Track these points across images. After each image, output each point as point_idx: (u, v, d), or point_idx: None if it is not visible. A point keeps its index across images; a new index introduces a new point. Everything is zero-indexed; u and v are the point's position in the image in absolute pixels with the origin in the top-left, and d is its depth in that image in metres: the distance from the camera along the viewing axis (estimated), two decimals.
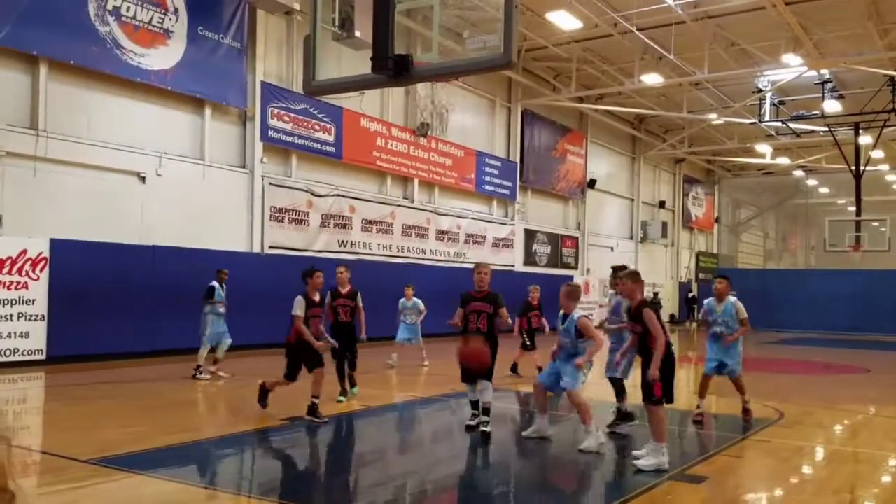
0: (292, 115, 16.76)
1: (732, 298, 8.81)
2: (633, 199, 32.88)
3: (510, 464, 7.02)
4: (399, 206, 20.13)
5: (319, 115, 17.43)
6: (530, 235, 25.91)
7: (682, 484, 5.86)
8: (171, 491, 5.29)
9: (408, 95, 20.18)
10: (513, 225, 24.85)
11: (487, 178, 23.37)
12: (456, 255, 22.14)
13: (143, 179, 14.20)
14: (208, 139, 15.38)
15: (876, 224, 27.27)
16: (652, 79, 22.49)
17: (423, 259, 20.56)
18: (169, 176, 14.57)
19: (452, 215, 22.17)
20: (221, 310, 11.62)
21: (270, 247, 16.35)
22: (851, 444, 8.18)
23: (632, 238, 32.88)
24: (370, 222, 18.99)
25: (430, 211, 21.30)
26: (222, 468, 6.32)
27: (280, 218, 16.65)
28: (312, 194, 17.42)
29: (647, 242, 33.57)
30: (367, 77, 6.69)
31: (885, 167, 33.06)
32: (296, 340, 7.80)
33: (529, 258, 25.74)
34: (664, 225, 34.13)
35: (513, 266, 24.61)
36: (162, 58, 14.21)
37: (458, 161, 22.13)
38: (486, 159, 23.32)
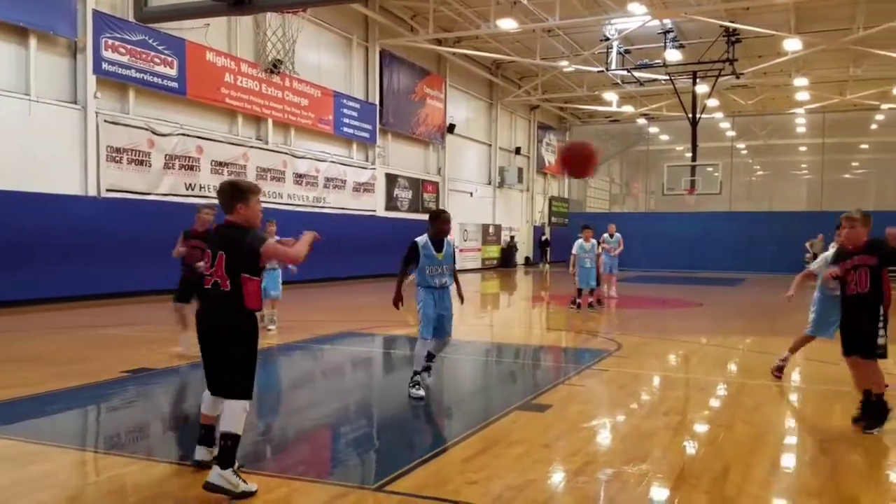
0: (129, 46, 15.43)
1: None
2: (490, 145, 33.46)
3: (365, 406, 7.06)
4: (252, 147, 19.29)
5: (160, 48, 16.18)
6: (391, 180, 25.78)
7: (527, 413, 6.13)
8: None
9: (258, 29, 19.14)
10: (373, 169, 24.58)
11: (346, 121, 22.86)
12: (315, 199, 21.65)
13: None
14: (34, 72, 13.90)
15: (710, 169, 29.23)
16: (507, 23, 22.73)
17: (279, 203, 19.91)
18: None
19: (310, 158, 21.56)
20: None
21: (108, 189, 15.18)
22: (682, 371, 8.87)
23: (490, 183, 33.58)
24: (220, 164, 18.07)
25: (287, 153, 20.59)
26: (57, 423, 5.88)
27: (118, 158, 15.45)
28: (154, 133, 16.28)
29: (504, 188, 34.43)
30: (204, 4, 6.24)
31: (719, 115, 35.59)
32: None
33: (391, 203, 25.67)
34: (520, 170, 35.11)
35: (374, 211, 24.46)
36: None
37: (314, 101, 21.44)
38: (345, 100, 22.77)
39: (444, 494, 4.15)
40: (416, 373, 6.67)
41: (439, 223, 6.71)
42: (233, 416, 4.13)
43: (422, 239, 6.69)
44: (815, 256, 28.45)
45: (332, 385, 8.03)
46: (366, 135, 23.89)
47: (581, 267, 14.43)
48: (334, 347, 10.11)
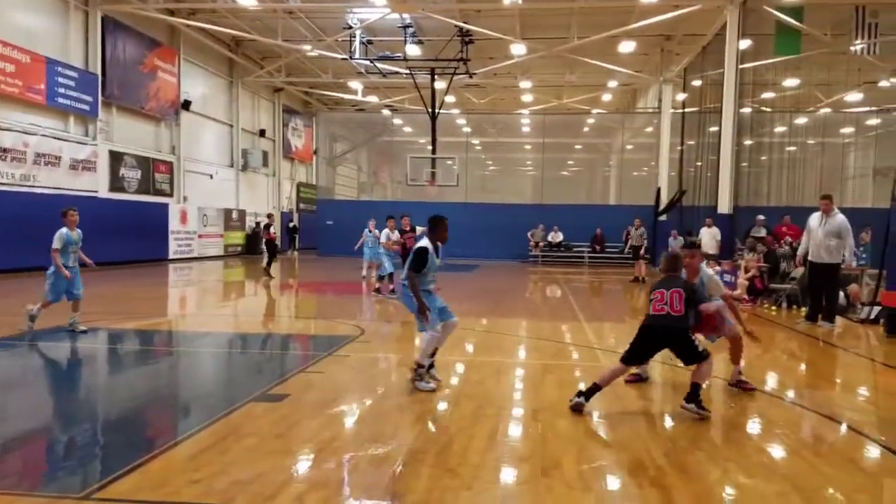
0: None
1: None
2: (232, 126, 32.03)
3: (84, 407, 6.37)
4: None
5: None
6: (117, 158, 23.53)
7: (262, 404, 5.98)
8: None
9: None
10: (95, 145, 22.22)
11: (62, 90, 20.37)
12: (23, 177, 19.03)
13: None
14: None
15: (449, 162, 30.87)
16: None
17: None
18: None
19: (17, 131, 18.88)
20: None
21: None
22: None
23: (232, 166, 32.17)
24: None
25: None
26: None
27: None
28: None
29: (248, 171, 33.22)
30: None
31: (455, 111, 37.67)
32: None
33: (116, 183, 23.45)
34: (265, 154, 34.11)
35: (96, 192, 22.15)
36: None
37: (22, 67, 18.79)
38: (59, 68, 20.26)
39: (160, 497, 3.88)
40: (421, 366, 6.71)
41: (441, 230, 6.87)
42: None
43: (429, 245, 6.74)
44: (536, 245, 31.82)
45: (45, 386, 7.12)
46: (85, 107, 21.51)
47: (387, 254, 15.62)
48: (48, 344, 9.00)
